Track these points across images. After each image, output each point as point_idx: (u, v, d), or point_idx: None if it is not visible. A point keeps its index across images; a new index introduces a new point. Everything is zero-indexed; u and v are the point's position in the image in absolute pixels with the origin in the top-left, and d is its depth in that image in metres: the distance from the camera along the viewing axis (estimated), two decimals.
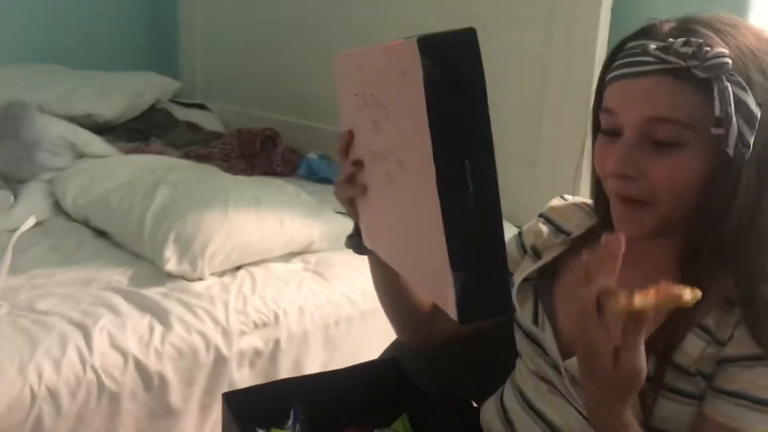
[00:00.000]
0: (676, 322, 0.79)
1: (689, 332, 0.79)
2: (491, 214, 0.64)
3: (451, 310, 0.66)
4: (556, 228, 1.00)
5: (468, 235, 0.64)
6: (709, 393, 0.79)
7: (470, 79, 0.62)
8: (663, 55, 0.76)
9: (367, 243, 0.96)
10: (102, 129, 2.72)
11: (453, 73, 0.61)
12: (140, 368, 1.37)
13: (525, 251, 1.02)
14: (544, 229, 1.01)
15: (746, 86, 0.74)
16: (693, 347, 0.79)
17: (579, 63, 1.95)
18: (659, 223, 0.79)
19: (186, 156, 2.52)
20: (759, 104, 0.74)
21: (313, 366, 1.58)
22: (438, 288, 0.69)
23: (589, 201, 1.01)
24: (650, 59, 0.77)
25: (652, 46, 0.77)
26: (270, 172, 2.57)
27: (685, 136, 0.76)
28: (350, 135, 0.89)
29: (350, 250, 1.01)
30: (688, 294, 0.67)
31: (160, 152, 2.50)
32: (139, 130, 2.84)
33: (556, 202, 1.04)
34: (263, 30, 3.00)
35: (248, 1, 3.06)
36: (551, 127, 2.05)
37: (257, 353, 1.51)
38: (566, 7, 1.98)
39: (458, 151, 0.62)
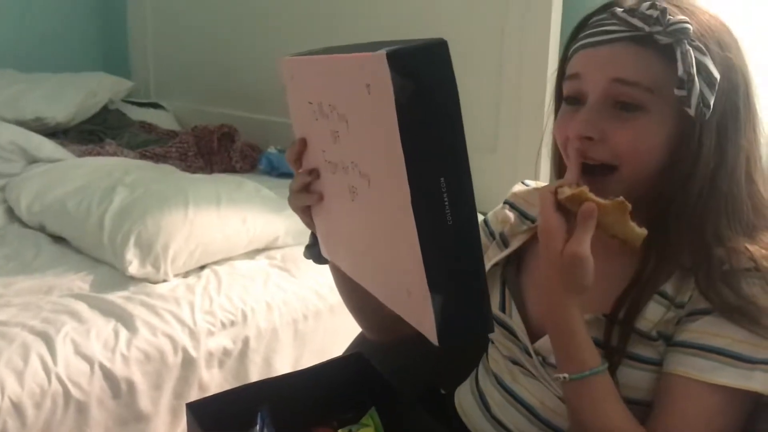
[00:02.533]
0: (637, 291, 0.82)
1: (650, 300, 0.81)
2: (469, 231, 0.62)
3: (430, 333, 0.64)
4: (521, 213, 1.01)
5: (446, 255, 0.62)
6: (665, 351, 0.81)
7: (444, 95, 0.59)
8: (628, 18, 0.79)
9: (325, 254, 0.95)
10: (54, 132, 2.67)
11: (426, 88, 0.58)
12: (107, 374, 1.34)
13: (493, 237, 1.03)
14: (510, 215, 1.02)
15: (706, 51, 0.77)
16: (653, 313, 0.81)
17: (533, 47, 1.97)
18: (624, 188, 0.81)
19: (142, 156, 2.48)
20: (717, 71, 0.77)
21: (284, 362, 1.57)
22: (413, 309, 0.67)
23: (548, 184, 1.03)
24: (615, 27, 0.80)
25: (619, 9, 0.81)
26: (229, 169, 2.55)
27: (647, 100, 0.79)
28: (303, 143, 0.88)
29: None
30: (628, 205, 0.75)
31: (115, 154, 2.46)
32: (93, 132, 2.78)
33: (518, 187, 1.06)
34: (216, 24, 2.96)
35: None
36: (509, 113, 2.06)
37: (226, 353, 1.49)
38: (519, 2, 1.99)
39: (434, 169, 0.60)
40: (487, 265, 0.98)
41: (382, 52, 0.58)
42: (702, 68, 0.76)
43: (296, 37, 2.65)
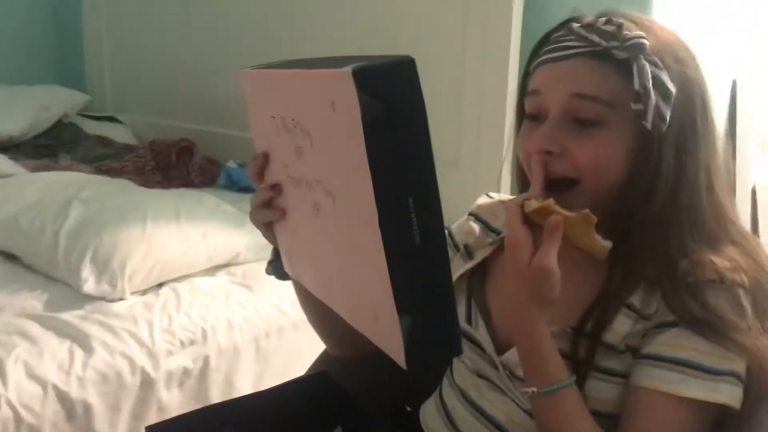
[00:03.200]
0: (604, 304, 0.82)
1: (617, 313, 0.82)
2: (437, 252, 0.61)
3: (397, 356, 0.63)
4: (485, 225, 1.02)
5: (414, 277, 0.61)
6: (632, 365, 0.81)
7: (412, 113, 0.58)
8: (585, 33, 0.80)
9: (288, 270, 0.93)
10: (6, 146, 2.60)
11: (393, 108, 0.57)
12: (61, 397, 1.30)
13: (457, 249, 1.03)
14: (475, 226, 1.02)
15: (662, 66, 0.79)
16: (621, 325, 0.82)
17: (494, 62, 1.98)
18: (586, 203, 0.81)
19: (98, 171, 2.43)
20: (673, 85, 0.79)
21: (245, 381, 1.55)
22: (380, 331, 0.66)
23: (514, 197, 1.03)
24: (574, 43, 0.81)
25: (576, 25, 0.82)
26: (188, 184, 2.51)
27: (606, 114, 0.80)
28: (265, 157, 0.86)
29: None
30: (593, 217, 0.76)
31: (69, 168, 2.40)
32: (47, 146, 2.72)
33: (483, 200, 1.06)
34: (174, 37, 2.93)
35: (156, 8, 2.97)
36: (471, 127, 2.08)
37: (186, 372, 1.46)
38: (479, 11, 2.01)
39: (402, 188, 0.58)
40: (452, 277, 0.97)
41: (348, 69, 0.57)
42: (657, 82, 0.78)
43: (255, 51, 2.63)
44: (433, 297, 0.62)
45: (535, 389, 0.79)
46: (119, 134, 2.95)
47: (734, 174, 2.03)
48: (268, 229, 0.90)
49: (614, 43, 0.79)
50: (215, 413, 1.01)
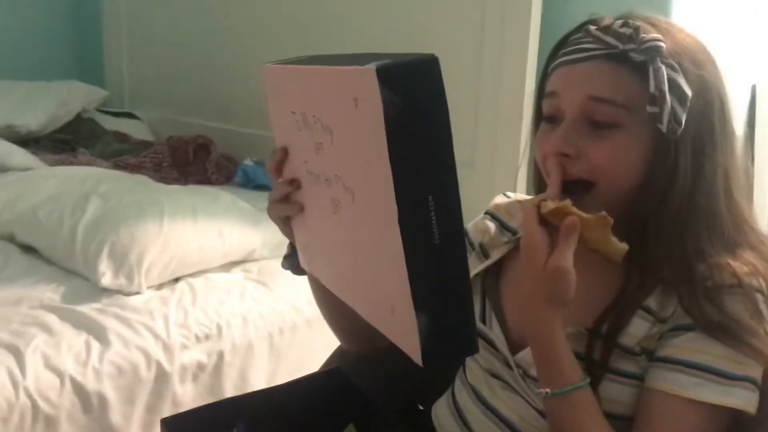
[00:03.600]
0: (621, 306, 0.82)
1: (634, 315, 0.82)
2: (456, 250, 0.61)
3: (413, 352, 0.63)
4: (501, 225, 1.02)
5: (432, 274, 0.61)
6: (647, 367, 0.81)
7: (434, 111, 0.58)
8: (602, 35, 0.81)
9: (304, 265, 0.93)
10: (25, 141, 2.62)
11: (416, 106, 0.57)
12: (78, 388, 1.31)
13: (473, 248, 1.03)
14: (491, 225, 1.02)
15: (678, 69, 0.78)
16: (637, 328, 0.81)
17: (511, 64, 1.98)
18: (602, 205, 0.81)
19: (115, 166, 2.45)
20: (690, 88, 0.79)
21: (259, 377, 1.55)
22: (396, 327, 0.66)
23: (531, 197, 1.03)
24: (591, 45, 0.81)
25: (593, 27, 0.82)
26: (204, 180, 2.52)
27: (622, 117, 0.80)
28: (284, 152, 0.87)
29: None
30: (610, 220, 0.76)
31: (87, 163, 2.42)
32: (65, 141, 2.74)
33: (499, 199, 1.06)
34: (192, 34, 2.94)
35: (176, 5, 2.99)
36: (487, 129, 2.07)
37: (200, 367, 1.47)
38: (497, 12, 2.00)
39: (422, 187, 0.59)
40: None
41: (372, 66, 0.57)
42: (674, 85, 0.78)
43: (273, 48, 2.64)
44: (451, 295, 0.62)
45: (549, 390, 0.79)
46: (137, 130, 2.97)
47: (753, 179, 2.02)
48: (285, 223, 0.91)
49: (631, 46, 0.79)
50: (229, 407, 1.02)
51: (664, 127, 0.78)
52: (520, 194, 1.07)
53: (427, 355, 0.62)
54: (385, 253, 0.63)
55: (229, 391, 1.49)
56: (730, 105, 0.84)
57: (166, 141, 2.68)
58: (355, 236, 0.72)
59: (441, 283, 0.62)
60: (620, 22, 0.80)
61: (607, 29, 0.81)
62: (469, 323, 0.64)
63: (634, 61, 0.79)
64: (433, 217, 0.59)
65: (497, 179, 2.02)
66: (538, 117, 0.89)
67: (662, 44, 0.78)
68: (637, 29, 0.79)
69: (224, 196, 1.96)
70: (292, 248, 0.96)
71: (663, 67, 0.77)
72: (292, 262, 0.97)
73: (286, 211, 0.88)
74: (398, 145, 0.57)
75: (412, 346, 0.63)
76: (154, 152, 2.60)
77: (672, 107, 0.77)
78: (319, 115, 0.73)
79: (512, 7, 1.96)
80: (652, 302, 0.82)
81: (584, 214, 0.76)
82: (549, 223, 0.78)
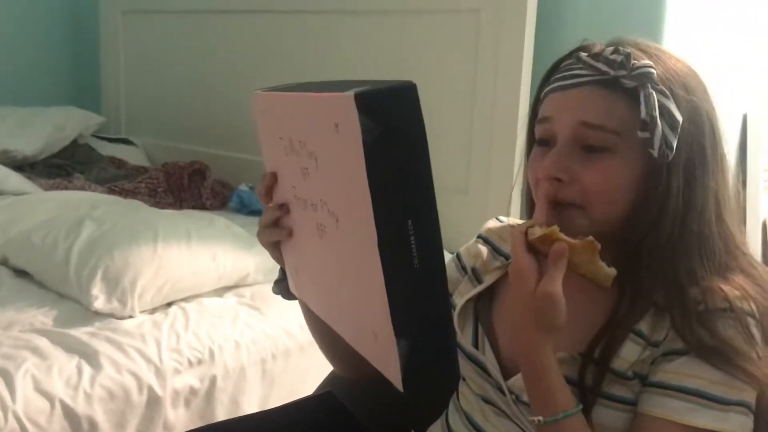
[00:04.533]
0: (613, 330, 0.82)
1: (626, 339, 0.81)
2: (436, 276, 0.62)
3: (395, 379, 0.63)
4: (494, 248, 1.02)
5: (413, 300, 0.61)
6: (640, 392, 0.81)
7: (412, 137, 0.59)
8: (593, 62, 0.82)
9: (294, 290, 0.94)
10: (21, 166, 2.63)
11: (393, 131, 0.58)
12: (68, 413, 1.30)
13: (465, 272, 1.03)
14: (483, 249, 1.02)
15: (669, 94, 0.79)
16: (630, 352, 0.81)
17: (504, 90, 2.01)
18: (590, 226, 0.82)
19: (110, 191, 2.45)
20: (681, 114, 0.80)
21: (251, 403, 1.54)
22: (379, 352, 0.66)
23: (522, 222, 1.03)
24: (582, 72, 0.83)
25: (584, 54, 0.83)
26: (199, 206, 2.52)
27: (613, 142, 0.81)
28: (273, 177, 0.87)
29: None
30: (597, 245, 0.77)
31: (83, 188, 2.42)
32: (61, 167, 2.74)
33: (492, 223, 1.06)
34: (188, 61, 2.97)
35: (172, 33, 3.02)
36: (481, 154, 2.09)
37: (193, 392, 1.46)
38: (490, 39, 2.03)
39: (401, 212, 0.59)
40: (461, 301, 0.98)
41: (351, 92, 0.58)
42: (665, 111, 0.78)
43: (268, 75, 2.66)
44: (431, 321, 0.62)
45: (541, 418, 0.78)
46: (133, 156, 2.97)
47: (744, 207, 2.03)
48: (275, 248, 0.91)
49: (622, 72, 0.80)
50: (219, 431, 1.01)
51: (655, 152, 0.79)
52: (513, 218, 1.07)
53: (408, 381, 0.62)
54: (367, 278, 0.63)
55: (222, 416, 1.48)
56: (720, 129, 0.85)
57: (162, 166, 2.69)
58: (340, 261, 0.73)
59: (421, 309, 0.62)
60: (611, 48, 0.81)
61: (597, 56, 0.82)
62: (450, 350, 0.64)
63: (625, 87, 0.80)
64: (413, 242, 0.60)
65: (491, 205, 2.03)
66: (531, 141, 0.90)
67: (653, 70, 0.79)
68: (628, 56, 0.80)
69: (218, 220, 1.96)
70: (283, 273, 0.96)
71: (654, 93, 0.78)
72: (282, 287, 0.97)
73: (275, 235, 0.88)
74: (377, 170, 0.58)
75: (393, 372, 0.63)
76: (149, 177, 2.61)
77: (663, 133, 0.78)
78: (305, 140, 0.73)
79: (506, 34, 1.99)
80: (643, 326, 0.82)
81: (571, 240, 0.76)
82: (537, 249, 0.78)
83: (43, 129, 2.76)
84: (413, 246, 0.60)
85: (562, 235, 0.77)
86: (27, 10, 3.27)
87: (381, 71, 2.32)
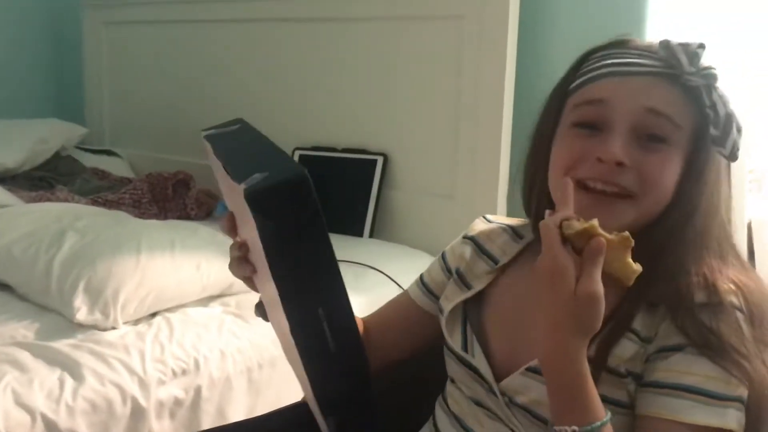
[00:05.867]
0: (611, 328, 0.81)
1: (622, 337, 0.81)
2: (353, 353, 0.62)
3: None
4: (480, 249, 1.01)
5: (334, 381, 0.62)
6: (637, 392, 0.80)
7: (307, 228, 0.58)
8: (664, 55, 0.82)
9: (269, 318, 0.94)
10: (2, 178, 2.60)
11: (288, 226, 0.57)
12: (50, 426, 1.28)
13: (450, 273, 1.03)
14: (467, 250, 1.02)
15: (729, 100, 0.81)
16: (623, 349, 0.80)
17: (489, 96, 2.01)
18: (638, 217, 0.82)
19: (94, 203, 2.43)
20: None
21: (238, 412, 1.52)
22: (319, 417, 0.67)
23: (511, 222, 1.03)
24: (644, 61, 0.83)
25: (642, 50, 0.84)
26: (184, 216, 2.50)
27: (673, 134, 0.81)
28: (233, 217, 0.87)
29: None
30: (632, 241, 0.72)
31: (65, 200, 2.40)
32: (43, 179, 2.72)
33: (479, 223, 1.06)
34: (171, 72, 2.96)
35: (155, 44, 3.01)
36: (466, 160, 2.09)
37: (178, 402, 1.44)
38: (473, 47, 2.03)
39: (310, 300, 0.59)
40: (448, 306, 0.97)
41: (242, 186, 0.57)
42: (732, 114, 0.81)
43: (251, 84, 2.66)
44: (354, 398, 0.63)
45: (576, 428, 0.73)
46: (117, 167, 2.96)
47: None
48: (248, 280, 0.91)
49: (691, 69, 0.80)
50: None
51: (726, 152, 0.80)
52: (501, 217, 1.07)
53: None
54: (297, 356, 0.63)
55: (207, 426, 1.46)
56: None
57: (146, 177, 2.67)
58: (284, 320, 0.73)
59: (344, 388, 0.63)
60: (680, 47, 0.81)
61: (668, 49, 0.82)
62: (374, 420, 0.65)
63: (686, 85, 0.81)
64: (326, 328, 0.60)
65: (477, 210, 2.01)
66: (553, 124, 0.88)
67: (717, 73, 0.80)
68: (697, 53, 0.81)
69: (203, 229, 1.94)
70: None
71: (725, 95, 0.80)
72: (262, 311, 0.96)
73: (242, 272, 0.88)
74: (277, 263, 0.58)
75: None
76: (133, 188, 2.59)
77: (734, 135, 0.80)
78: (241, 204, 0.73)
79: (488, 39, 2.00)
80: (637, 323, 0.81)
81: (609, 235, 0.72)
82: (572, 244, 0.73)
83: (25, 141, 2.74)
84: (327, 331, 0.60)
85: (601, 230, 0.72)
86: (8, 22, 3.26)
87: (366, 78, 2.32)
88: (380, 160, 2.30)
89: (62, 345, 1.46)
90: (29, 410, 1.28)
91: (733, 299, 0.78)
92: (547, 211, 0.76)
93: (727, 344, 0.76)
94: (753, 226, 2.09)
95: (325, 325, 0.60)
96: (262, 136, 0.76)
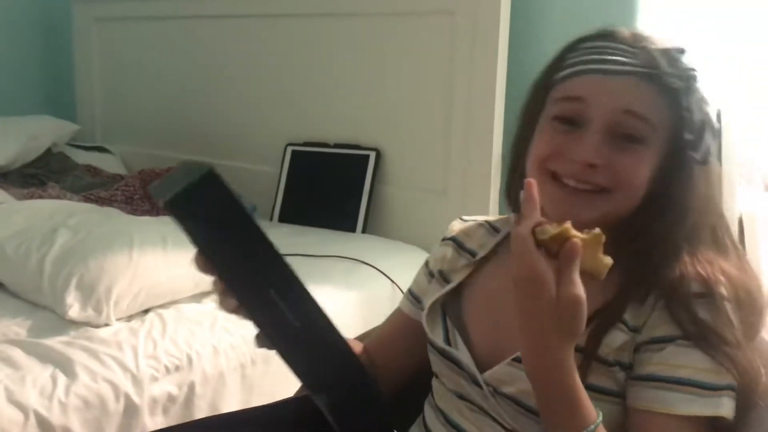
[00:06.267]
0: (601, 319, 0.81)
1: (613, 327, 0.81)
2: (319, 323, 0.62)
3: (332, 424, 0.65)
4: (459, 246, 1.02)
5: (311, 357, 0.62)
6: (629, 384, 0.81)
7: (230, 217, 0.59)
8: (645, 56, 0.82)
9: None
10: None
11: (209, 220, 0.58)
12: (42, 423, 1.28)
13: (433, 276, 1.04)
14: (448, 250, 1.03)
15: (708, 101, 0.82)
16: (613, 339, 0.81)
17: (481, 90, 2.01)
18: (610, 211, 0.83)
19: (86, 200, 2.42)
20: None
21: (231, 408, 1.52)
22: (316, 400, 0.69)
23: (489, 218, 1.04)
24: (626, 59, 0.82)
25: (632, 45, 0.83)
26: None
27: (649, 135, 0.82)
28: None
29: None
30: (603, 237, 0.72)
31: (57, 197, 2.39)
32: (35, 176, 2.71)
33: (456, 224, 1.07)
34: (163, 68, 2.95)
35: (146, 40, 3.00)
36: (459, 156, 2.09)
37: (171, 399, 1.44)
38: (467, 42, 2.03)
39: (257, 284, 0.60)
40: (428, 302, 0.99)
41: (160, 202, 0.59)
42: (708, 118, 0.82)
43: (243, 80, 2.65)
44: (340, 369, 0.64)
45: None
46: (109, 164, 2.95)
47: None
48: (238, 312, 0.88)
49: (671, 71, 0.81)
50: (199, 428, 1.00)
51: (698, 156, 0.81)
52: (478, 216, 1.08)
53: (342, 426, 0.65)
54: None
55: None
56: (713, 118, 0.86)
57: (138, 173, 2.66)
58: None
59: (324, 361, 0.63)
60: (660, 49, 0.82)
61: (647, 51, 0.82)
62: (368, 386, 0.66)
63: (665, 85, 0.81)
64: (283, 307, 0.60)
65: (469, 206, 2.03)
66: (536, 113, 0.89)
67: (697, 74, 0.81)
68: (678, 56, 0.81)
69: None
70: None
71: (703, 98, 0.81)
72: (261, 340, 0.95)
73: (231, 306, 0.80)
74: (215, 260, 0.59)
75: (329, 419, 0.66)
76: (126, 185, 2.58)
77: (706, 140, 0.81)
78: None
79: (480, 35, 2.00)
80: (626, 313, 0.82)
81: (582, 235, 0.72)
82: (545, 248, 0.72)
83: (16, 138, 2.73)
84: (285, 310, 0.60)
85: (574, 231, 0.71)
86: None
87: (358, 73, 2.32)
88: (373, 155, 2.30)
89: (55, 342, 1.45)
90: (22, 407, 1.27)
91: (723, 290, 0.79)
92: (513, 215, 0.76)
93: (720, 335, 0.77)
94: (744, 219, 2.10)
95: (281, 304, 0.60)
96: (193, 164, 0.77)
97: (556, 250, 0.71)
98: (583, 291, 0.70)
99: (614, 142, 0.82)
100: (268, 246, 0.59)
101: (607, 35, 0.86)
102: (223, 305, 0.85)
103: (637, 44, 0.83)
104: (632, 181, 0.82)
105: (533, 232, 0.71)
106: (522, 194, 0.74)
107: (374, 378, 0.64)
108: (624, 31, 0.86)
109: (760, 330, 0.82)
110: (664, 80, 0.81)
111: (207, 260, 0.57)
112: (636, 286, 0.82)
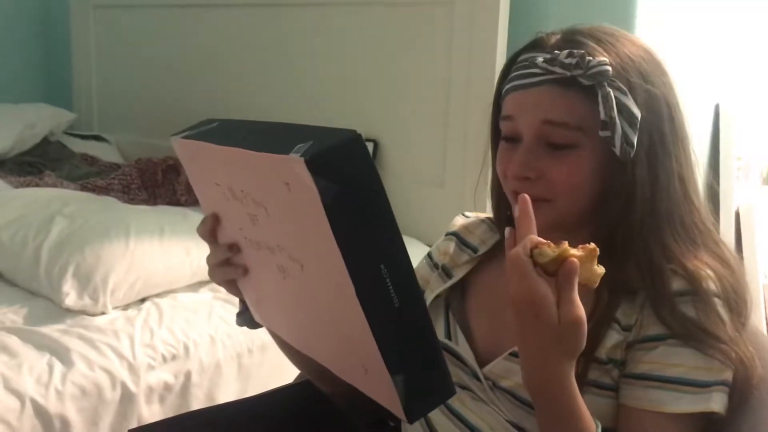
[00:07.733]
0: (596, 321, 0.81)
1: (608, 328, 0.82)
2: (416, 307, 0.62)
3: (395, 409, 0.64)
4: (461, 242, 1.03)
5: (400, 337, 0.62)
6: (621, 382, 0.81)
7: (368, 187, 0.59)
8: (550, 67, 0.82)
9: (259, 320, 0.92)
10: None
11: (349, 186, 0.58)
12: (39, 411, 1.28)
13: (437, 268, 1.04)
14: (451, 245, 1.04)
15: (627, 91, 0.80)
16: (607, 339, 0.82)
17: (479, 83, 2.00)
18: (557, 217, 0.83)
19: (83, 188, 2.41)
20: (639, 106, 0.80)
21: (228, 397, 1.53)
22: (371, 384, 0.67)
23: (489, 215, 1.05)
24: (540, 71, 0.83)
25: (540, 59, 0.83)
26: (174, 202, 2.49)
27: (577, 138, 0.82)
28: (216, 219, 0.85)
29: None
30: (597, 250, 0.71)
31: (54, 185, 2.38)
32: (32, 164, 2.71)
33: (459, 219, 1.08)
34: (160, 57, 2.94)
35: (144, 28, 2.99)
36: (456, 149, 2.09)
37: (167, 387, 1.44)
38: (465, 33, 2.03)
39: (372, 259, 0.60)
40: (430, 297, 0.99)
41: (298, 155, 0.58)
42: (624, 109, 0.79)
43: (241, 69, 2.65)
44: (421, 351, 0.63)
45: None
46: (106, 153, 2.94)
47: (718, 196, 2.05)
48: (231, 285, 0.89)
49: (579, 72, 0.80)
50: (200, 419, 1.00)
51: (617, 151, 0.80)
52: (480, 213, 1.08)
53: (410, 410, 0.63)
54: (349, 321, 0.64)
55: None
56: (680, 109, 0.86)
57: (135, 162, 2.66)
58: (313, 302, 0.72)
59: (410, 343, 0.63)
60: (565, 53, 0.81)
61: (552, 61, 0.81)
62: (443, 371, 0.65)
63: (580, 85, 0.80)
64: (389, 284, 0.60)
65: (467, 197, 2.03)
66: (496, 135, 0.91)
67: (608, 68, 0.79)
68: (582, 57, 0.80)
69: (192, 215, 1.93)
70: (244, 305, 0.93)
71: (611, 92, 0.79)
72: (245, 318, 0.95)
73: (230, 274, 0.86)
74: (341, 226, 0.59)
75: (392, 404, 0.64)
76: (123, 174, 2.57)
77: (623, 131, 0.79)
78: (248, 190, 0.72)
79: (479, 25, 1.99)
80: (618, 312, 0.82)
81: (579, 253, 0.70)
82: (542, 268, 0.70)
83: (12, 126, 2.72)
84: (390, 288, 0.60)
85: (572, 250, 0.70)
86: None
87: (356, 63, 2.32)
88: (370, 146, 2.30)
89: (51, 330, 1.46)
90: (18, 395, 1.28)
91: (711, 285, 0.79)
92: (507, 230, 0.75)
93: (709, 333, 0.78)
94: (741, 212, 2.10)
95: (388, 281, 0.60)
96: (260, 121, 0.76)
97: (553, 269, 0.70)
98: (582, 311, 0.69)
99: (547, 151, 0.83)
100: (392, 222, 0.60)
101: (535, 45, 0.87)
102: (222, 274, 0.86)
103: (552, 50, 0.83)
104: (570, 187, 0.83)
105: (531, 254, 0.70)
106: (515, 210, 0.74)
107: (449, 371, 0.65)
108: (552, 37, 0.86)
109: (749, 318, 0.83)
110: (578, 81, 0.80)
111: (331, 220, 0.58)
112: (621, 286, 0.82)
